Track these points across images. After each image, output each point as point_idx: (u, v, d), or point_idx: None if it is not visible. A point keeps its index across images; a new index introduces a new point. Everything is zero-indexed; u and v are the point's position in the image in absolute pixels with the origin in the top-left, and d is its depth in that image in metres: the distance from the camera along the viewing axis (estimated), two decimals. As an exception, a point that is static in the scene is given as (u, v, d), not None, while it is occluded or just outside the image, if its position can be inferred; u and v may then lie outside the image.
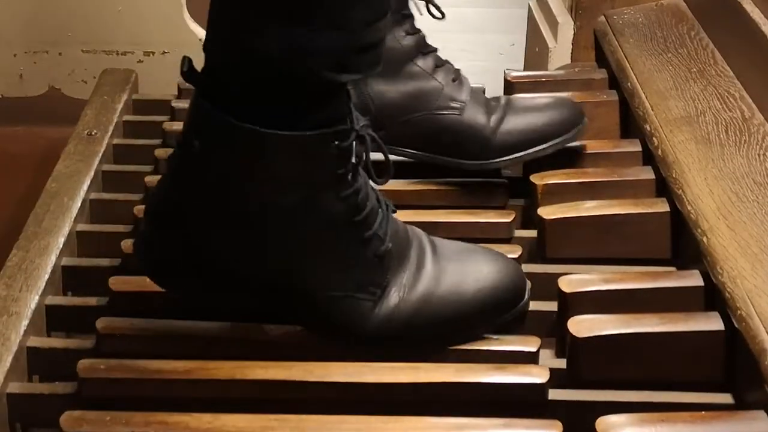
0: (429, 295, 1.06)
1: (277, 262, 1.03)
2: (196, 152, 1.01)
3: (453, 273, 1.08)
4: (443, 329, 1.06)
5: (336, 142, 1.01)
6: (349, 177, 1.03)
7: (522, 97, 1.38)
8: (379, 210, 1.07)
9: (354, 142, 1.02)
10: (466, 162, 1.33)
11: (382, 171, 1.07)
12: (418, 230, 1.11)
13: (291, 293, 1.04)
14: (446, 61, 1.36)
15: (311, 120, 1.00)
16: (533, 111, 1.35)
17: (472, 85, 1.35)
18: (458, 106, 1.33)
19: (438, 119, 1.33)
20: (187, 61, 1.01)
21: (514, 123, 1.33)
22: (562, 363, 1.07)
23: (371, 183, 1.07)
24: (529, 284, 1.11)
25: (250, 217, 1.02)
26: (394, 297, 1.06)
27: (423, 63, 1.35)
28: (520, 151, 1.34)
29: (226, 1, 0.99)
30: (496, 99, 1.36)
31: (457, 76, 1.35)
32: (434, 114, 1.33)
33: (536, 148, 1.34)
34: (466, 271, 1.08)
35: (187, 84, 1.02)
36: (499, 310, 1.08)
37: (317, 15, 0.97)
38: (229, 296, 1.06)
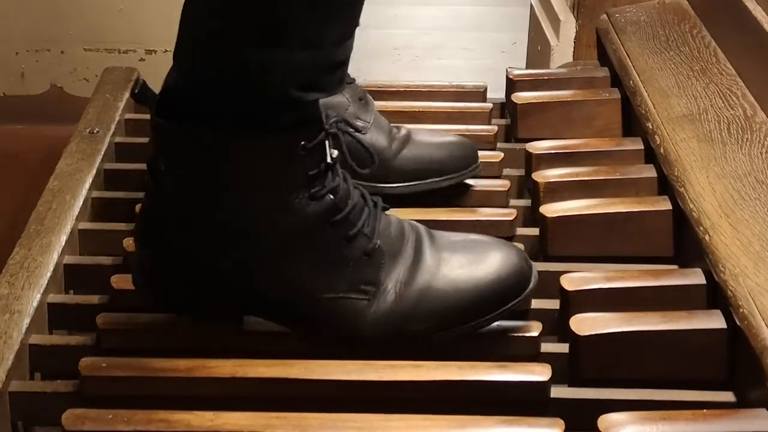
0: (427, 288, 1.05)
1: (262, 269, 1.03)
2: (163, 171, 1.02)
3: (453, 263, 1.06)
4: (445, 321, 1.05)
5: (303, 143, 1.01)
6: (324, 176, 1.02)
7: (423, 131, 1.37)
8: (365, 207, 1.06)
9: (325, 142, 1.02)
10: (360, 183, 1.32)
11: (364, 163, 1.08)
12: (417, 224, 1.10)
13: (283, 301, 1.04)
14: (354, 80, 1.35)
15: (277, 123, 1.00)
16: (433, 145, 1.34)
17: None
18: (362, 125, 1.32)
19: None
20: (140, 84, 1.02)
21: (414, 153, 1.33)
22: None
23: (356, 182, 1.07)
24: (535, 272, 1.09)
25: (228, 226, 1.02)
26: (390, 293, 1.05)
27: None
28: (417, 180, 1.33)
29: (201, 15, 1.00)
30: (398, 128, 1.35)
31: (363, 96, 1.35)
32: None
33: (432, 179, 1.33)
34: (467, 261, 1.06)
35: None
36: (504, 299, 1.06)
37: (293, 35, 0.97)
38: (225, 310, 1.06)
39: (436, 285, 1.05)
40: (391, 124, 1.35)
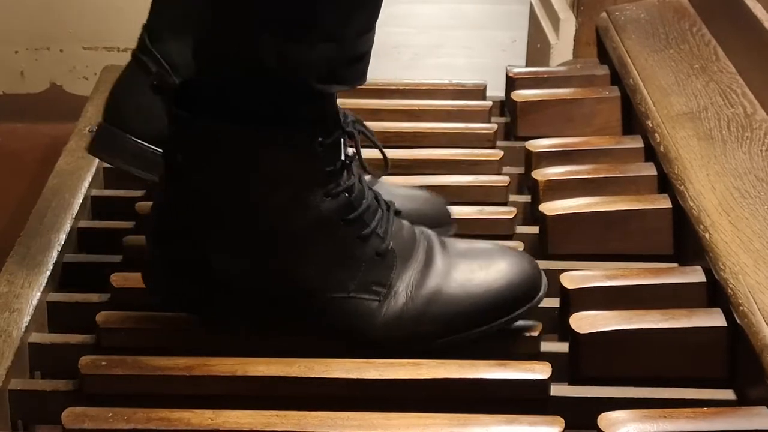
0: (438, 292, 1.05)
1: (275, 266, 1.03)
2: (180, 165, 1.02)
3: (464, 269, 1.06)
4: (455, 326, 1.05)
5: (320, 139, 1.01)
6: (339, 174, 1.02)
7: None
8: (378, 209, 1.06)
9: (341, 139, 1.02)
10: None
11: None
12: (428, 230, 1.10)
13: (293, 299, 1.04)
14: None
15: (296, 117, 1.00)
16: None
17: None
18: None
19: None
20: (158, 74, 1.02)
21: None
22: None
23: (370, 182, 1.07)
24: (545, 279, 1.09)
25: (244, 222, 1.02)
26: (401, 295, 1.04)
27: None
28: None
29: (220, 7, 0.99)
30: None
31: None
32: None
33: None
34: (478, 266, 1.06)
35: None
36: (514, 305, 1.06)
37: (315, 28, 0.97)
38: (236, 308, 1.05)
39: (446, 289, 1.05)
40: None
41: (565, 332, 1.08)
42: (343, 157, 1.03)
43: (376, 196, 1.07)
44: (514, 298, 1.06)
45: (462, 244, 1.10)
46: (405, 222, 1.09)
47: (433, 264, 1.06)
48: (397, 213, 1.09)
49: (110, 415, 0.97)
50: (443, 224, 1.23)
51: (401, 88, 1.59)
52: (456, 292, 1.05)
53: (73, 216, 1.30)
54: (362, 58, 1.01)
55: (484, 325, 1.05)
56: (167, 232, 1.05)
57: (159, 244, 1.06)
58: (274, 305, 1.04)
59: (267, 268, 1.03)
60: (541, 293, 1.07)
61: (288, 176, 1.01)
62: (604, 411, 0.96)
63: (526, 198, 1.37)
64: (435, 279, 1.05)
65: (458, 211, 1.28)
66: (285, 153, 1.00)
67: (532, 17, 1.99)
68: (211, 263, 1.03)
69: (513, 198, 1.37)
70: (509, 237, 1.27)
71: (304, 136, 1.00)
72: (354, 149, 1.05)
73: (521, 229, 1.30)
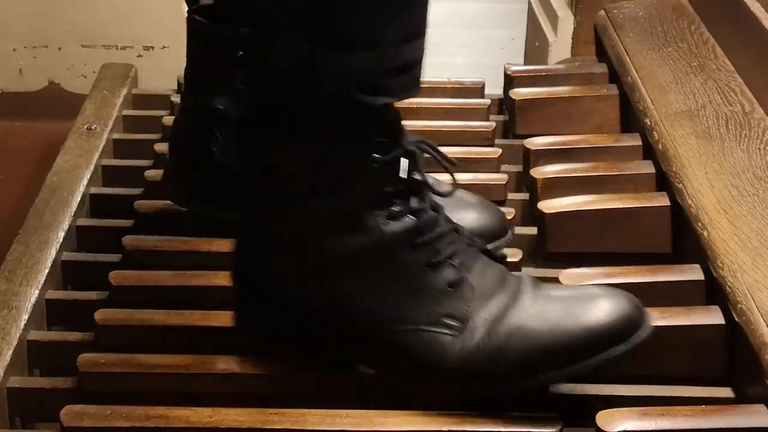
0: (520, 326, 0.96)
1: (336, 290, 0.98)
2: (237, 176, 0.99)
3: (551, 304, 0.97)
4: (536, 363, 0.96)
5: (376, 155, 0.96)
6: (402, 196, 0.97)
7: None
8: (457, 242, 0.99)
9: (401, 158, 0.97)
10: None
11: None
12: (525, 275, 1.03)
13: (357, 331, 0.98)
14: None
15: (344, 133, 0.95)
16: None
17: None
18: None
19: None
20: None
21: None
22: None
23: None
24: (650, 320, 0.99)
25: (300, 245, 0.98)
26: (478, 331, 0.96)
27: None
28: None
29: (257, 22, 0.96)
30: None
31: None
32: None
33: None
34: (567, 302, 0.97)
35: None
36: (605, 344, 0.96)
37: (349, 33, 0.92)
38: (299, 335, 1.01)
39: (529, 323, 0.96)
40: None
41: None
42: (401, 174, 0.97)
43: (457, 229, 1.00)
44: (607, 337, 0.96)
45: (558, 286, 1.02)
46: (500, 266, 1.02)
47: (519, 299, 0.98)
48: (484, 251, 1.02)
49: (109, 412, 0.97)
50: (497, 233, 1.19)
51: (400, 86, 1.59)
52: (540, 327, 0.96)
53: (72, 214, 1.30)
54: (410, 68, 0.95)
55: (568, 365, 0.96)
56: (245, 270, 1.02)
57: (238, 280, 1.03)
58: (337, 339, 0.99)
59: (328, 294, 0.98)
60: (642, 334, 0.97)
61: (345, 194, 0.96)
62: (602, 409, 0.96)
63: (524, 196, 1.37)
64: (517, 313, 0.97)
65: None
66: (340, 169, 0.96)
67: (531, 16, 1.98)
68: (269, 292, 1.00)
69: (511, 196, 1.37)
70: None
71: (357, 151, 0.95)
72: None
73: (519, 230, 1.30)
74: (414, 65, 0.96)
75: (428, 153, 0.99)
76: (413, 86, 0.97)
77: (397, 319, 0.97)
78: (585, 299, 0.97)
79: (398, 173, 0.97)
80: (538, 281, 1.01)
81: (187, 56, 1.23)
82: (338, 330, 0.99)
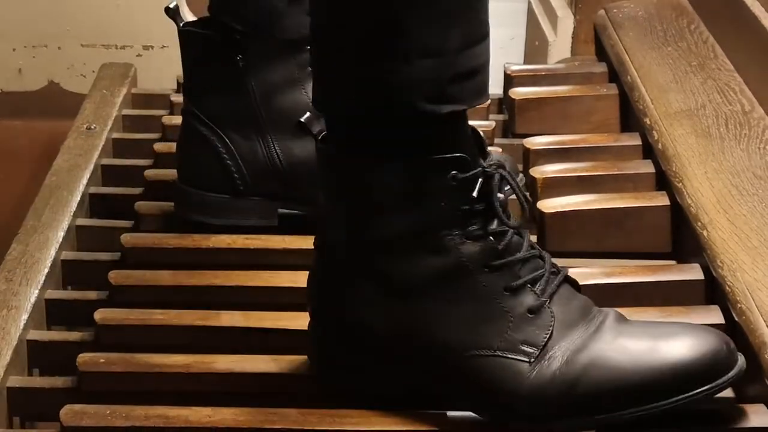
0: (600, 357, 0.93)
1: (411, 312, 0.96)
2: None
3: (636, 336, 0.94)
4: (614, 398, 0.92)
5: (454, 172, 0.93)
6: (481, 216, 0.95)
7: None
8: (540, 268, 0.96)
9: (480, 179, 0.94)
10: None
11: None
12: (611, 309, 0.99)
13: (429, 354, 0.96)
14: None
15: (415, 145, 0.93)
16: None
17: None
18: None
19: None
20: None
21: None
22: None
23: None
24: (742, 360, 0.95)
25: (373, 265, 0.96)
26: (557, 359, 0.93)
27: None
28: None
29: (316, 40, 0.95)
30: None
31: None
32: None
33: None
34: (654, 336, 0.94)
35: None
36: (691, 384, 0.93)
37: (408, 43, 0.90)
38: (371, 369, 0.99)
39: (610, 354, 0.93)
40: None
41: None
42: (475, 194, 0.94)
43: (542, 256, 0.98)
44: (693, 376, 0.92)
45: (644, 322, 0.99)
46: (586, 299, 0.99)
47: (601, 330, 0.95)
48: (572, 283, 0.99)
49: (108, 412, 0.97)
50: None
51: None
52: (621, 359, 0.92)
53: (71, 214, 1.30)
54: (474, 74, 0.93)
55: (650, 403, 0.92)
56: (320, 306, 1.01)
57: (314, 315, 1.02)
58: (407, 365, 0.97)
59: (405, 316, 0.96)
60: (731, 374, 0.94)
61: (419, 212, 0.94)
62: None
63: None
64: (599, 344, 0.93)
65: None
66: (415, 186, 0.93)
67: (530, 15, 1.99)
68: (345, 319, 0.98)
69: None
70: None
71: (435, 167, 0.93)
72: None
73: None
74: (479, 70, 0.94)
75: (505, 178, 0.96)
76: (481, 92, 0.95)
77: (470, 342, 0.95)
78: (671, 335, 0.94)
79: (475, 192, 0.94)
80: (623, 316, 0.98)
81: (184, 68, 1.24)
82: (413, 351, 0.97)
